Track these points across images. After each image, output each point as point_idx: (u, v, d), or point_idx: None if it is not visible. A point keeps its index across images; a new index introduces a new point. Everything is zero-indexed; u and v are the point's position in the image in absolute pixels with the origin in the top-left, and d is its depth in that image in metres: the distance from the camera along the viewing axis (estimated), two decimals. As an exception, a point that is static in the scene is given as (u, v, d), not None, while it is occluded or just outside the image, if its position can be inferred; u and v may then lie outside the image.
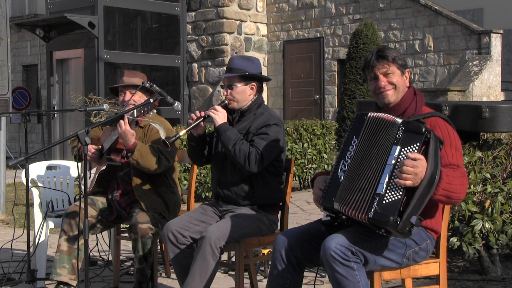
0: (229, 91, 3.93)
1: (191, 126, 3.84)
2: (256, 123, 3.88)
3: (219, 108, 3.87)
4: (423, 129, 2.87)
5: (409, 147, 2.87)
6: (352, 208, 2.90)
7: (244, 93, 3.93)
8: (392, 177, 2.83)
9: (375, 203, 2.83)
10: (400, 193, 2.81)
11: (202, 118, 3.84)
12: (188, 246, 3.79)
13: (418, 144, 2.86)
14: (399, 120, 2.95)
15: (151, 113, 4.38)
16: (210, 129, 3.98)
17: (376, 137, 2.98)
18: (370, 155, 2.96)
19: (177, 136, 3.80)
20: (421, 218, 2.86)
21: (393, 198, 2.81)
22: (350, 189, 2.95)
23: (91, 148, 4.33)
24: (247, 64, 3.94)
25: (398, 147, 2.88)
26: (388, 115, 3.02)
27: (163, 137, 4.05)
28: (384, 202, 2.82)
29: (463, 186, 2.94)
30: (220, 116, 3.84)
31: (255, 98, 3.97)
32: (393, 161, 2.86)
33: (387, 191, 2.83)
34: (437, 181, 2.82)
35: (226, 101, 3.93)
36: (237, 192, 3.89)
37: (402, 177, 2.79)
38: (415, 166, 2.79)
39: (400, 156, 2.86)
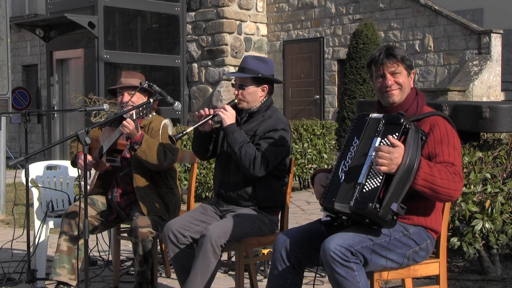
0: (240, 91, 3.90)
1: (199, 123, 3.80)
2: (264, 126, 3.85)
3: (228, 107, 3.82)
4: (402, 120, 2.91)
5: (388, 137, 2.90)
6: (340, 201, 2.93)
7: (255, 94, 3.90)
8: (372, 166, 2.87)
9: (356, 192, 2.87)
10: (379, 180, 2.85)
11: (211, 116, 3.80)
12: (189, 246, 3.79)
13: (396, 134, 2.90)
14: (380, 115, 2.99)
15: (151, 115, 4.37)
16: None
17: (372, 136, 3.00)
18: (365, 153, 2.97)
19: (184, 132, 3.76)
20: (404, 206, 2.86)
21: (372, 186, 2.85)
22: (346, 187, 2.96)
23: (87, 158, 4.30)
24: (261, 66, 3.90)
25: (379, 139, 2.93)
26: None
27: (170, 133, 4.04)
28: (364, 190, 2.86)
29: (452, 183, 2.91)
30: (228, 116, 3.80)
31: (265, 99, 3.94)
32: (373, 152, 2.89)
33: (367, 180, 2.87)
34: (415, 169, 2.83)
35: (236, 101, 3.90)
36: (239, 193, 3.88)
37: (378, 162, 2.82)
38: (391, 151, 2.82)
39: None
